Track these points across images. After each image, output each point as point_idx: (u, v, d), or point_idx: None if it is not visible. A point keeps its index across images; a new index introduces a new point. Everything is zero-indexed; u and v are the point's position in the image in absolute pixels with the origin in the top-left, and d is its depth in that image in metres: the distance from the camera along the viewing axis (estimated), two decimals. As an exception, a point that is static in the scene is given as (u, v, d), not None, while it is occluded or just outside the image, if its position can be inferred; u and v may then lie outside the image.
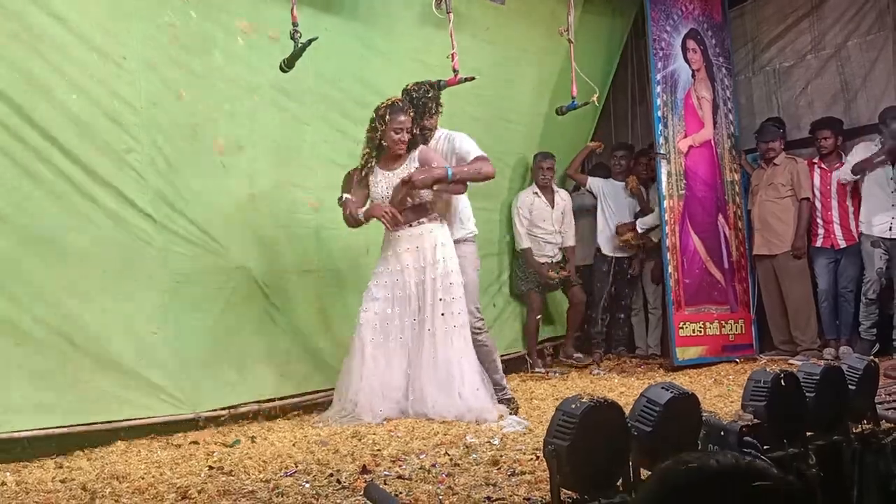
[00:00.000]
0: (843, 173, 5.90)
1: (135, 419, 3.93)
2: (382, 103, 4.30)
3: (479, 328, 4.49)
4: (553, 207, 6.30)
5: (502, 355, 5.74)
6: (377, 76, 5.09)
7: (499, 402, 4.33)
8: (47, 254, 3.75)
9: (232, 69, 4.45)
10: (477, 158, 4.35)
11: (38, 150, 3.68)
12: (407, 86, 4.47)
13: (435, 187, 4.27)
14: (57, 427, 3.67)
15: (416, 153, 4.34)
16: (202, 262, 4.32)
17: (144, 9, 4.07)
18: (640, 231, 6.43)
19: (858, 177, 5.83)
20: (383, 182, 4.32)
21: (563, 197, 6.42)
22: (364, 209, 4.30)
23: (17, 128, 3.61)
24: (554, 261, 6.29)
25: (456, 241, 4.48)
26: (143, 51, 4.07)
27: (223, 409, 4.26)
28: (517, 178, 6.41)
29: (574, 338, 6.60)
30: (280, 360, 4.62)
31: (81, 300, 3.84)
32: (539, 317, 6.29)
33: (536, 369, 6.14)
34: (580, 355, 6.45)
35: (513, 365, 5.94)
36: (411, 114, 4.30)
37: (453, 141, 4.52)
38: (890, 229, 5.65)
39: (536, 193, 6.28)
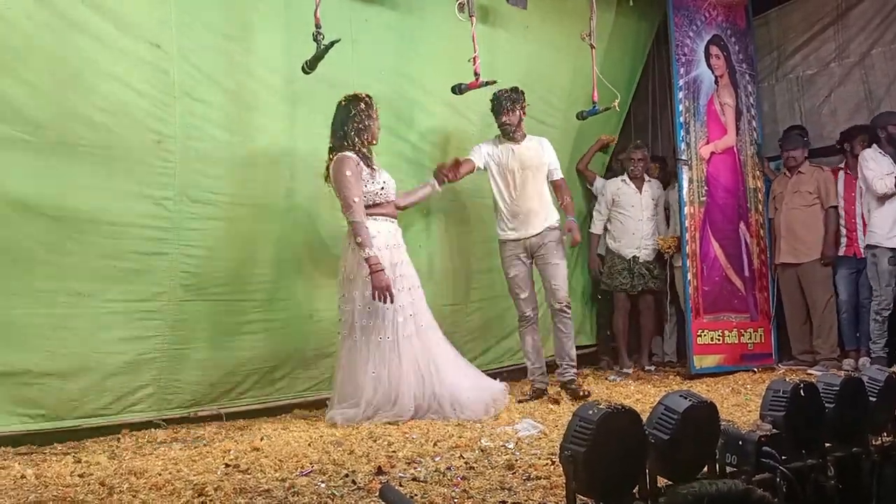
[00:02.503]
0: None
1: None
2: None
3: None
4: (641, 194, 6.33)
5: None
6: (417, 69, 5.11)
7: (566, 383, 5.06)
8: (68, 244, 3.83)
9: (273, 58, 4.45)
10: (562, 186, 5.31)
11: (58, 144, 3.74)
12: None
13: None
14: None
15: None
16: (221, 261, 4.35)
17: None
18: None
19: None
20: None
21: (654, 186, 6.45)
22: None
23: (39, 120, 3.69)
24: (644, 259, 6.29)
25: (549, 228, 5.06)
26: (179, 39, 4.07)
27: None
28: None
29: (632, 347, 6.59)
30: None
31: (94, 293, 3.94)
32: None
33: (625, 370, 6.18)
34: (651, 367, 6.42)
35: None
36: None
37: (547, 149, 5.21)
38: None
39: (625, 181, 6.35)
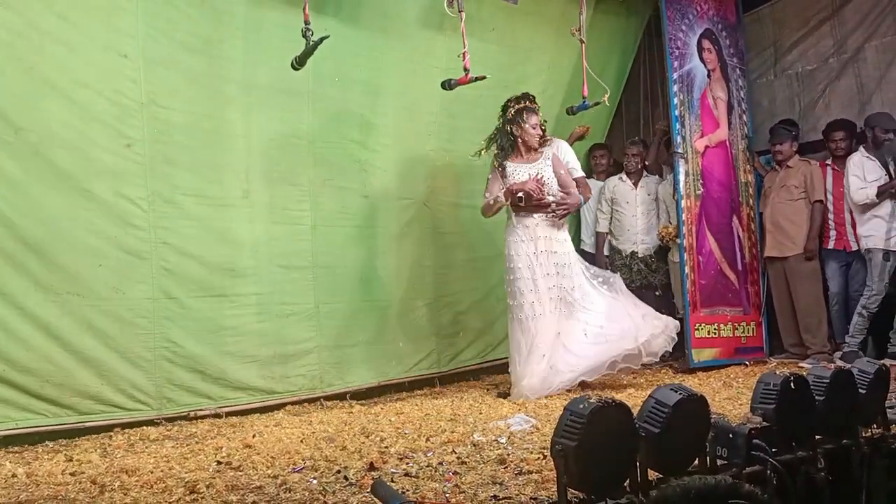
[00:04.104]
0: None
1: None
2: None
3: None
4: (637, 189, 6.34)
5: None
6: (378, 78, 5.17)
7: None
8: (45, 250, 3.90)
9: (231, 68, 4.55)
10: (583, 184, 5.30)
11: (38, 145, 3.85)
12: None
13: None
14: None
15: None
16: (196, 257, 4.46)
17: (147, 8, 4.17)
18: None
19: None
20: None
21: (651, 181, 6.45)
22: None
23: (19, 123, 3.79)
24: (642, 254, 6.29)
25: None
26: (145, 49, 4.18)
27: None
28: None
29: None
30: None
31: (78, 294, 4.00)
32: None
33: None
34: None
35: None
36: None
37: (564, 151, 5.28)
38: None
39: (622, 178, 6.40)
